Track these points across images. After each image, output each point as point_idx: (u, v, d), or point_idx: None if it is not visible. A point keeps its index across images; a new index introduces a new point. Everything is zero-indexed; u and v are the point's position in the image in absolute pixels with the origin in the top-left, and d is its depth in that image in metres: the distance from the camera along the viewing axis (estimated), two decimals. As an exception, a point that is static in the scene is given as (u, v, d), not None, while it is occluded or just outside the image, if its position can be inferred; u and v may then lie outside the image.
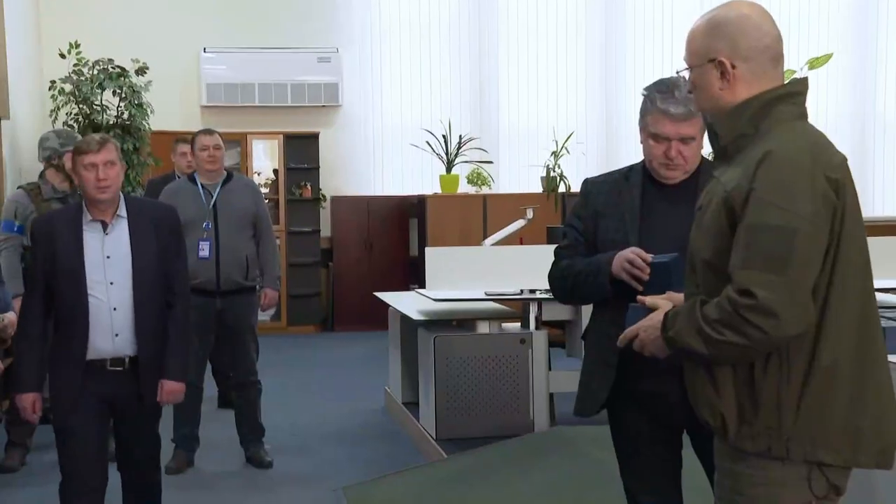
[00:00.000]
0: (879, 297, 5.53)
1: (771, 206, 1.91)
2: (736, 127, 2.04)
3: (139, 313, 3.46)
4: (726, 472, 2.07)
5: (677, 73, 2.24)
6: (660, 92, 2.74)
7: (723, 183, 2.01)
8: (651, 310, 2.14)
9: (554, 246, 3.37)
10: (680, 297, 2.14)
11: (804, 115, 2.09)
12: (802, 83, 2.13)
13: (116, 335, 3.45)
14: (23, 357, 3.57)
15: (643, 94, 2.79)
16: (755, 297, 1.88)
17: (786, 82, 2.09)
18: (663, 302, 2.13)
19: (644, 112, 2.76)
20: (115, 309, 3.45)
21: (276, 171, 10.35)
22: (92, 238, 3.48)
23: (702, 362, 2.03)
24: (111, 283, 3.44)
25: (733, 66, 2.04)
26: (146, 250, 3.49)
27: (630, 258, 2.60)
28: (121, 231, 3.50)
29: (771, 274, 1.88)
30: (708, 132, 2.10)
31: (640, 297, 2.21)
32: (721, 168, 2.07)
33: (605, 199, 2.83)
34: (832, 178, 1.97)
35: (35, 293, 3.55)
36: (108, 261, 3.46)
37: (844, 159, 2.03)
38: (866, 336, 2.01)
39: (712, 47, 2.06)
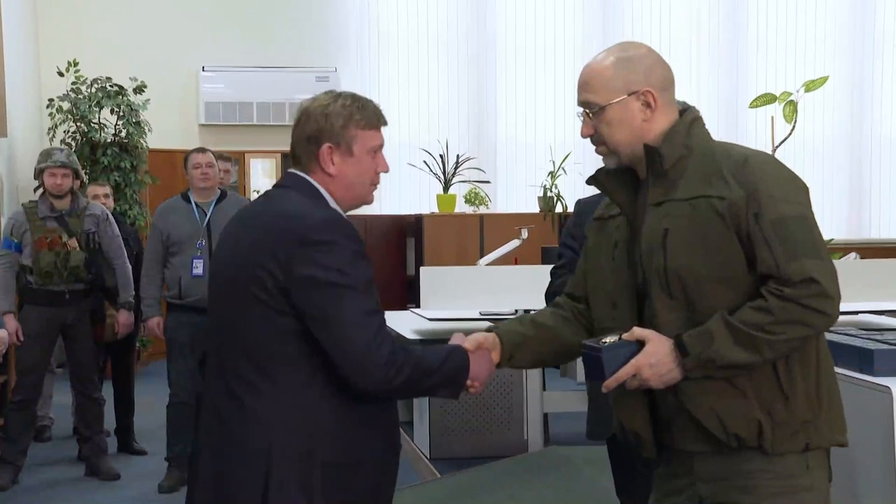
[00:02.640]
0: (882, 320, 5.56)
1: (781, 200, 1.98)
2: (675, 149, 2.07)
3: None
4: (742, 490, 2.03)
5: (579, 115, 2.17)
6: None
7: (697, 199, 2.01)
8: (633, 345, 2.03)
9: (550, 266, 3.37)
10: (643, 332, 2.04)
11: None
12: (695, 108, 2.18)
13: None
14: None
15: None
16: (819, 283, 1.93)
17: (687, 108, 2.16)
18: (649, 332, 2.03)
19: None
20: None
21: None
22: None
23: (731, 374, 1.99)
24: None
25: (654, 96, 2.08)
26: None
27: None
28: None
29: (817, 259, 1.96)
30: (648, 158, 2.08)
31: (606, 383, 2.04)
32: (662, 192, 2.06)
33: None
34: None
35: None
36: None
37: None
38: None
39: (631, 80, 2.09)
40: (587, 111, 2.12)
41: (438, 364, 2.14)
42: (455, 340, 2.28)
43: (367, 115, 2.23)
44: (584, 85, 2.13)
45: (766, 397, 1.99)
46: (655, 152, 2.07)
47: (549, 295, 3.00)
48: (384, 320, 2.12)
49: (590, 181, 2.23)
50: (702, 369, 1.98)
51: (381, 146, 2.28)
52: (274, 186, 2.29)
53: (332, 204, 2.21)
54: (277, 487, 2.07)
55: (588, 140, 2.17)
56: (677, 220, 2.03)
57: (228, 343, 2.17)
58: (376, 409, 2.16)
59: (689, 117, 2.12)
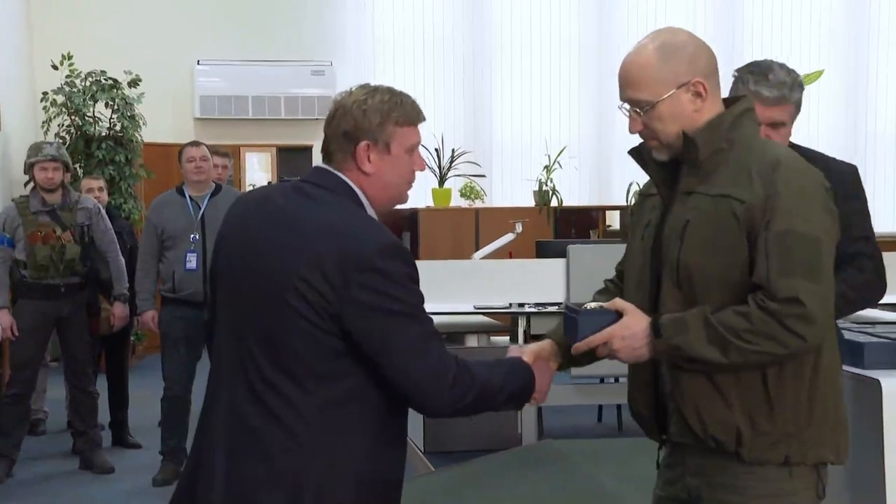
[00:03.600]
0: (874, 313, 5.56)
1: (796, 215, 1.92)
2: (715, 140, 2.02)
3: None
4: (725, 488, 2.03)
5: (620, 107, 2.11)
6: (752, 74, 2.72)
7: (722, 198, 1.98)
8: (611, 314, 2.05)
9: (543, 260, 3.35)
10: (625, 304, 2.07)
11: (759, 130, 2.12)
12: (751, 100, 2.15)
13: None
14: None
15: (734, 76, 2.76)
16: (804, 305, 1.88)
17: (739, 99, 2.11)
18: (631, 306, 2.05)
19: (733, 92, 2.71)
20: None
21: (283, 179, 10.36)
22: None
23: (704, 371, 1.99)
24: None
25: (705, 85, 2.03)
26: None
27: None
28: None
29: (812, 282, 1.89)
30: (684, 147, 2.04)
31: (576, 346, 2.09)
32: (697, 183, 2.03)
33: None
34: (828, 186, 2.02)
35: None
36: None
37: None
38: (836, 336, 2.08)
39: (679, 72, 2.02)
40: (636, 109, 2.05)
41: (502, 382, 2.11)
42: (512, 353, 2.25)
43: (405, 112, 2.12)
44: (629, 82, 2.05)
45: (751, 405, 1.97)
46: (692, 142, 2.02)
47: None
48: (443, 343, 2.08)
49: (632, 153, 2.17)
50: (668, 354, 1.98)
51: (418, 143, 2.17)
52: (305, 181, 2.13)
53: (369, 208, 2.11)
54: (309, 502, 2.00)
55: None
56: (700, 213, 2.01)
57: (253, 345, 2.04)
58: (402, 429, 2.12)
59: (738, 108, 2.05)
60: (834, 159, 2.97)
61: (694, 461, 2.08)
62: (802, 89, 2.80)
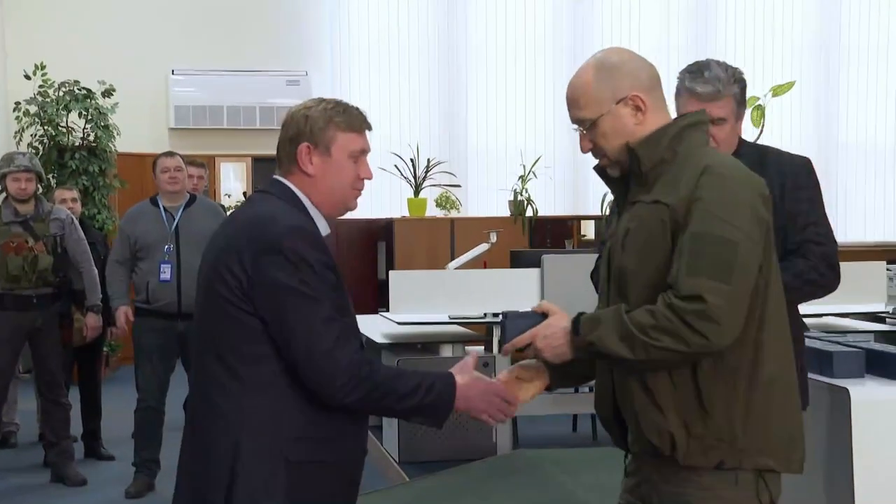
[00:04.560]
0: (845, 322, 5.63)
1: (714, 217, 1.95)
2: (657, 152, 2.07)
3: None
4: (672, 496, 2.05)
5: (574, 129, 2.18)
6: (689, 72, 2.76)
7: (655, 204, 2.04)
8: (537, 316, 2.13)
9: (518, 269, 3.36)
10: (551, 306, 2.15)
11: (708, 142, 2.16)
12: (704, 114, 2.21)
13: None
14: None
15: (677, 79, 2.80)
16: (705, 303, 1.90)
17: (691, 113, 2.16)
18: (556, 308, 2.13)
19: (676, 96, 2.76)
20: None
21: (245, 194, 10.34)
22: None
23: (620, 368, 2.05)
24: None
25: (643, 99, 2.09)
26: None
27: None
28: None
29: (719, 282, 1.92)
30: (630, 159, 2.10)
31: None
32: (641, 193, 2.09)
33: None
34: (764, 194, 2.04)
35: None
36: None
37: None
38: (790, 346, 2.09)
39: (616, 88, 2.09)
40: (582, 128, 2.12)
41: (411, 390, 2.10)
42: (465, 360, 2.23)
43: (348, 118, 2.22)
44: (571, 102, 2.13)
45: (686, 410, 2.00)
46: (633, 153, 2.08)
47: None
48: (349, 331, 2.11)
49: (596, 168, 2.23)
50: (585, 351, 2.04)
51: (363, 151, 2.25)
52: (257, 191, 2.30)
53: (311, 209, 2.21)
54: (241, 484, 2.09)
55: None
56: (639, 221, 2.06)
57: (204, 346, 2.19)
58: (339, 413, 2.15)
59: (685, 121, 2.11)
60: (788, 153, 2.99)
61: (646, 469, 2.11)
62: (743, 85, 2.81)
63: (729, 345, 1.94)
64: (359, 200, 2.34)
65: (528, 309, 2.18)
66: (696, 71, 2.76)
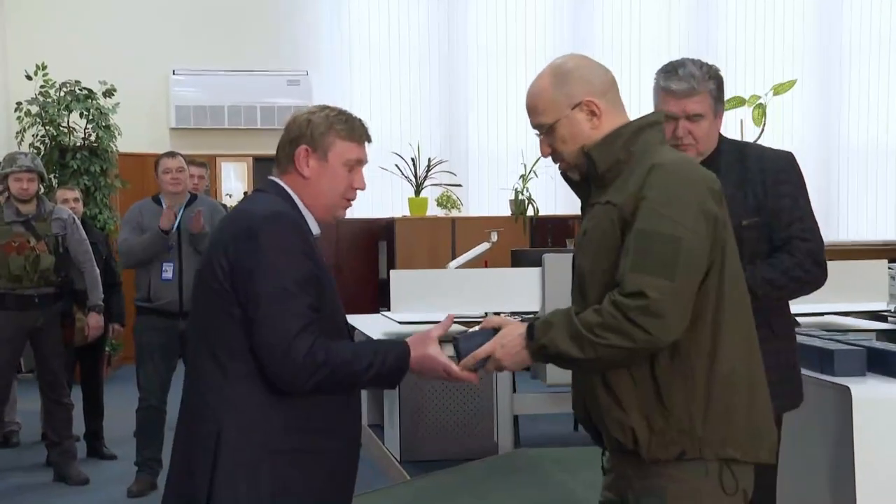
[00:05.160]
0: (846, 320, 5.62)
1: (659, 214, 1.99)
2: (612, 153, 2.11)
3: None
4: (643, 490, 2.08)
5: (537, 135, 2.21)
6: (664, 72, 2.78)
7: (606, 205, 2.08)
8: (487, 333, 2.15)
9: (519, 269, 3.35)
10: (501, 320, 2.18)
11: (665, 141, 2.19)
12: (661, 114, 2.25)
13: None
14: None
15: (654, 80, 2.83)
16: (647, 298, 1.93)
17: (648, 114, 2.19)
18: (507, 320, 2.17)
19: (654, 96, 2.80)
20: None
21: (245, 194, 10.34)
22: None
23: (574, 368, 2.10)
24: None
25: (597, 104, 2.13)
26: None
27: None
28: None
29: (661, 278, 1.95)
30: (587, 162, 2.13)
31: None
32: (599, 195, 2.13)
33: None
34: (715, 189, 2.07)
35: None
36: None
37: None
38: (753, 341, 2.11)
39: (571, 94, 2.13)
40: (540, 132, 2.17)
41: (366, 367, 2.14)
42: (430, 331, 2.25)
43: (349, 127, 2.26)
44: (530, 109, 2.19)
45: (646, 406, 2.03)
46: (588, 156, 2.12)
47: None
48: (313, 319, 2.11)
49: (563, 175, 2.26)
50: (539, 355, 2.06)
51: (359, 161, 2.29)
52: (254, 191, 2.35)
53: (303, 209, 2.25)
54: (224, 471, 2.12)
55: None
56: (594, 222, 2.11)
57: (197, 342, 2.22)
58: (333, 401, 2.18)
59: (640, 122, 2.14)
60: (770, 149, 2.98)
61: (620, 465, 2.15)
62: (718, 81, 2.81)
63: (672, 340, 1.97)
64: (360, 200, 2.36)
65: (476, 329, 2.20)
66: (670, 70, 2.78)
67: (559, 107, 2.13)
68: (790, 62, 11.09)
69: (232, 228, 2.19)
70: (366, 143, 2.31)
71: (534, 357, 2.08)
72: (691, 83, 2.72)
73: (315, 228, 2.27)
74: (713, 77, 2.80)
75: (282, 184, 2.27)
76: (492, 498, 4.64)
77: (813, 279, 2.82)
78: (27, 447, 6.32)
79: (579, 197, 2.26)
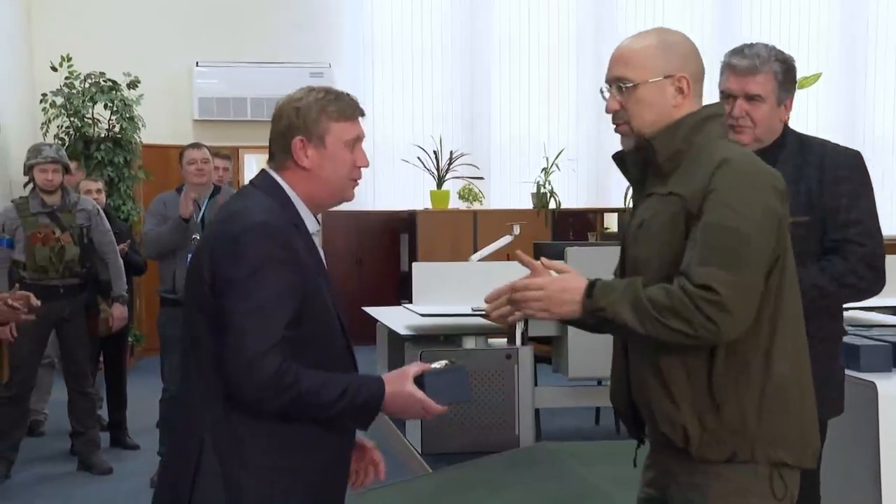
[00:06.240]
0: (871, 316, 5.57)
1: (728, 208, 1.95)
2: (673, 143, 2.07)
3: None
4: (689, 486, 2.05)
5: (603, 91, 2.17)
6: (733, 51, 2.73)
7: (669, 196, 2.04)
8: (458, 370, 2.15)
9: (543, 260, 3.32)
10: (562, 265, 2.13)
11: (725, 135, 2.15)
12: (721, 106, 2.21)
13: None
14: None
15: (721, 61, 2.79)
16: (718, 294, 1.91)
17: (708, 105, 2.14)
18: (570, 268, 2.10)
19: (720, 75, 2.74)
20: None
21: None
22: None
23: (622, 337, 2.07)
24: None
25: (689, 84, 2.09)
26: None
27: None
28: None
29: (729, 273, 1.92)
30: (647, 150, 2.08)
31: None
32: (658, 185, 2.09)
33: None
34: (779, 188, 2.03)
35: None
36: None
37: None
38: (805, 345, 2.08)
39: (671, 62, 2.08)
40: (619, 85, 2.10)
41: (336, 398, 2.04)
42: (406, 369, 2.16)
43: (340, 107, 2.16)
44: (620, 60, 2.11)
45: (699, 404, 2.00)
46: (649, 144, 2.08)
47: None
48: (286, 337, 2.01)
49: (615, 157, 2.22)
50: (593, 314, 2.00)
51: (358, 138, 2.19)
52: (249, 182, 2.25)
53: (299, 204, 2.16)
54: (203, 481, 2.07)
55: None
56: (652, 213, 2.07)
57: (187, 339, 2.17)
58: (324, 421, 2.12)
59: (704, 112, 2.10)
60: (836, 145, 2.86)
61: (664, 460, 2.11)
62: (786, 65, 2.73)
63: (735, 336, 1.94)
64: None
65: (439, 363, 2.15)
66: (739, 48, 2.72)
67: (654, 69, 2.08)
68: (815, 55, 11.00)
69: (217, 232, 2.11)
70: (360, 118, 2.19)
71: (584, 314, 2.01)
72: (754, 61, 2.65)
73: (312, 225, 2.19)
74: (780, 60, 2.72)
75: (276, 178, 2.16)
76: (512, 491, 4.64)
77: (867, 286, 2.71)
78: (53, 436, 6.37)
79: (631, 184, 2.22)
